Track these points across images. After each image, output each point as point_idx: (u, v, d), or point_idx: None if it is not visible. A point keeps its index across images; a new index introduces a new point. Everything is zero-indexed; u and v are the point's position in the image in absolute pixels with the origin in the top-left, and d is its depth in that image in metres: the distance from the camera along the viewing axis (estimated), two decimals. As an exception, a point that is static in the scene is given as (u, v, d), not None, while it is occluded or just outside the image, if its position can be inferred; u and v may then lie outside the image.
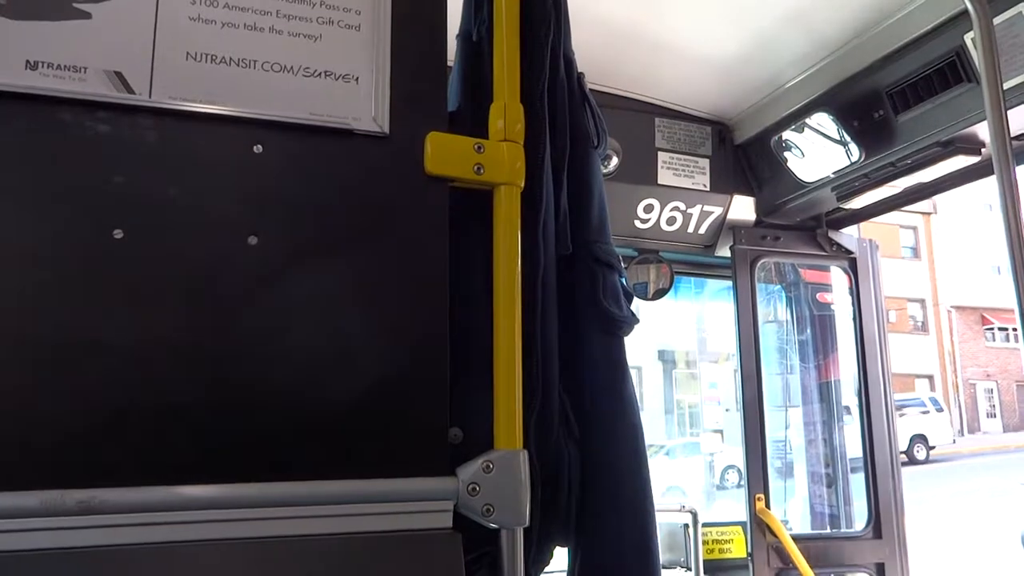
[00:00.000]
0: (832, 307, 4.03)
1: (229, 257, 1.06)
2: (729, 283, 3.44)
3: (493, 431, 1.14)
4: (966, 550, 9.98)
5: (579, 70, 1.52)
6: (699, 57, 2.86)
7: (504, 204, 1.21)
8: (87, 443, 0.95)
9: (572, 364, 1.42)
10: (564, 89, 1.46)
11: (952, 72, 2.39)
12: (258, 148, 1.10)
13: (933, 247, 31.03)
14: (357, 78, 1.16)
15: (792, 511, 3.89)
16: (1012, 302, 1.65)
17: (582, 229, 1.47)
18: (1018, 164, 1.74)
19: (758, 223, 3.42)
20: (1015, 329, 30.42)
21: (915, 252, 31.05)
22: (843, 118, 2.83)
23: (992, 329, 31.49)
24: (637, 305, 1.60)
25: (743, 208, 3.38)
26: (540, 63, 1.38)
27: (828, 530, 3.78)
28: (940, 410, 24.12)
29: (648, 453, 1.51)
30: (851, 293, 3.53)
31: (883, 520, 3.32)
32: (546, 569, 1.40)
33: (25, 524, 0.89)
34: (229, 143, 1.09)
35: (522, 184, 1.24)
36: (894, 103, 2.62)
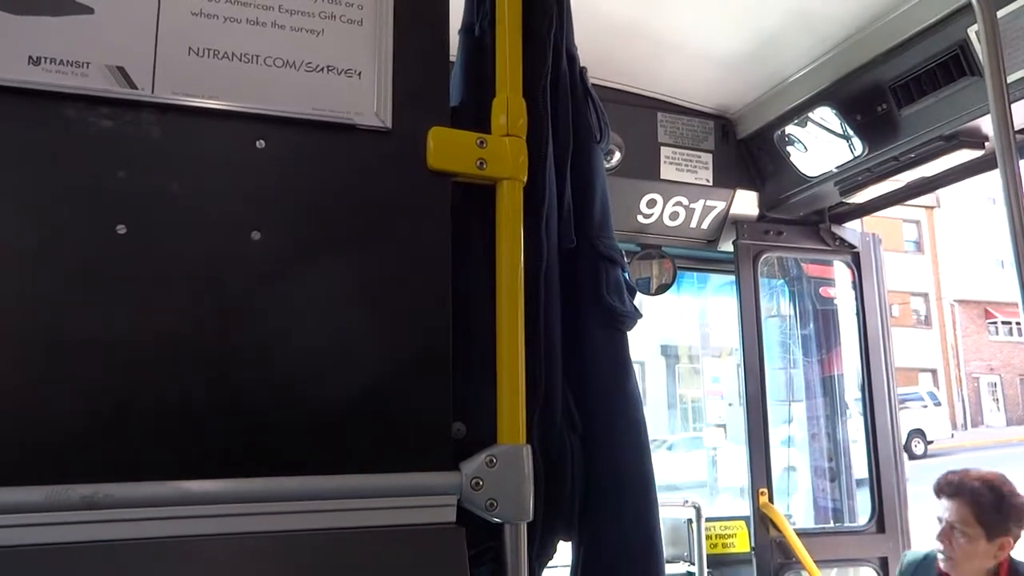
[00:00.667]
0: (835, 302, 4.02)
1: (232, 252, 1.06)
2: (732, 278, 3.44)
3: (496, 426, 1.14)
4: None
5: (581, 65, 1.51)
6: (702, 52, 2.86)
7: (507, 199, 1.21)
8: (90, 438, 0.96)
9: (575, 359, 1.42)
10: (567, 84, 1.45)
11: (955, 66, 2.38)
12: (261, 143, 1.10)
13: (936, 241, 30.98)
14: (359, 73, 1.16)
15: (795, 505, 3.90)
16: (1015, 296, 1.65)
17: (585, 224, 1.47)
18: (1022, 158, 1.73)
19: (761, 218, 3.41)
20: (1018, 323, 30.45)
21: (918, 246, 31.00)
22: (846, 112, 2.82)
23: (995, 323, 31.44)
24: (640, 300, 1.60)
25: (746, 203, 3.37)
26: (542, 58, 1.38)
27: (831, 524, 3.78)
28: (938, 404, 24.07)
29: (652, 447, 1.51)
30: (854, 287, 3.52)
31: (886, 514, 3.32)
32: (550, 564, 1.40)
33: (30, 519, 0.89)
34: (232, 138, 1.09)
35: (525, 179, 1.24)
36: (897, 97, 2.62)
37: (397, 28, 1.19)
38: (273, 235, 1.08)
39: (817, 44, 2.73)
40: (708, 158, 3.27)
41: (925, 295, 30.68)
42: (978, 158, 2.67)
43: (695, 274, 4.00)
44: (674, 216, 3.32)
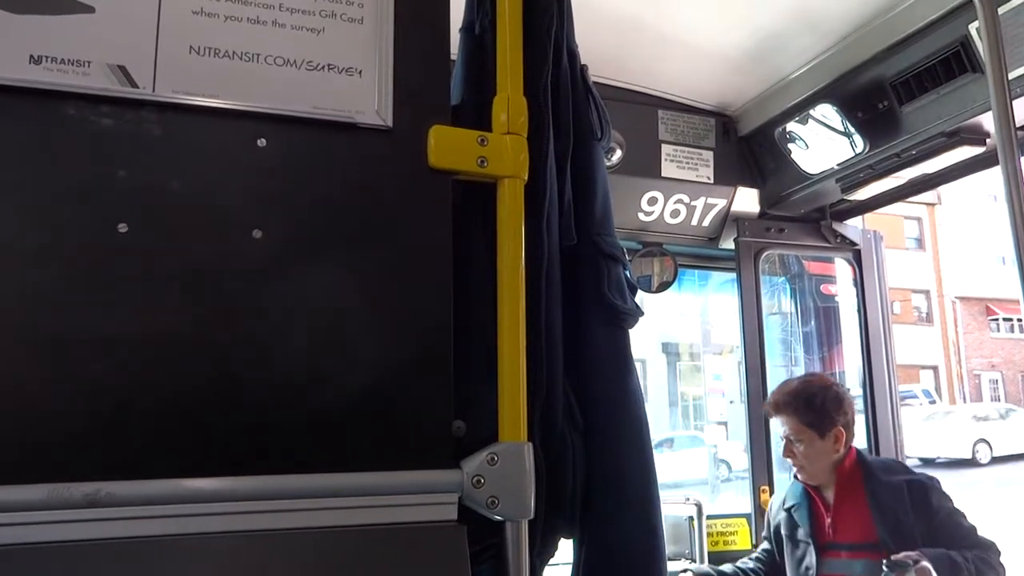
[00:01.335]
0: (835, 299, 4.02)
1: (233, 251, 1.06)
2: (733, 275, 3.44)
3: (497, 423, 1.14)
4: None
5: (582, 62, 1.51)
6: (702, 49, 2.85)
7: (508, 197, 1.21)
8: (92, 437, 0.96)
9: (576, 356, 1.43)
10: (567, 82, 1.45)
11: (957, 62, 2.38)
12: (262, 142, 1.10)
13: (937, 238, 30.96)
14: (360, 71, 1.16)
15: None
16: (1017, 292, 1.65)
17: (586, 222, 1.47)
18: (1023, 154, 1.73)
19: (762, 215, 3.41)
20: (1020, 320, 30.42)
21: (919, 243, 30.99)
22: (847, 109, 2.82)
23: (997, 320, 31.42)
24: (641, 297, 1.60)
25: (747, 200, 3.37)
26: (543, 56, 1.38)
27: None
28: (932, 402, 24.02)
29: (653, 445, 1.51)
30: (855, 284, 3.52)
31: None
32: (551, 561, 1.40)
33: (32, 517, 0.89)
34: (233, 137, 1.09)
35: (526, 177, 1.24)
36: (898, 94, 2.61)
37: (398, 26, 1.19)
38: (274, 233, 1.08)
39: (818, 41, 2.73)
40: (709, 155, 3.27)
41: (926, 292, 30.67)
42: (979, 155, 2.67)
43: (696, 272, 3.98)
44: (675, 214, 3.31)
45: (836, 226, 3.48)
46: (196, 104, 1.07)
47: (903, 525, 2.41)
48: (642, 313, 1.50)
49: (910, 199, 3.39)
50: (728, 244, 3.46)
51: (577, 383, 1.42)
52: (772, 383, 3.18)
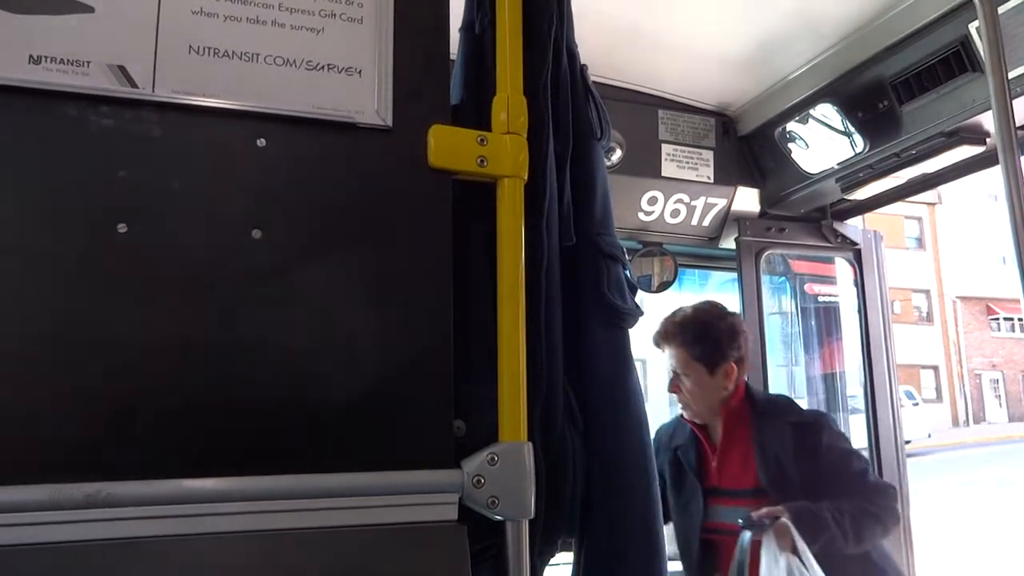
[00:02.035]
0: (820, 299, 4.01)
1: (233, 251, 1.06)
2: (733, 275, 3.43)
3: (497, 424, 1.14)
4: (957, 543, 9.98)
5: (582, 62, 1.51)
6: (702, 49, 2.85)
7: (508, 197, 1.21)
8: (93, 437, 0.96)
9: (576, 356, 1.43)
10: (567, 81, 1.45)
11: (957, 62, 2.38)
12: (261, 142, 1.10)
13: (938, 237, 30.96)
14: (360, 71, 1.16)
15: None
16: (1017, 292, 1.65)
17: (586, 221, 1.47)
18: (1023, 154, 1.73)
19: (762, 215, 3.41)
20: (1021, 319, 30.42)
21: (920, 242, 31.00)
22: (847, 109, 2.82)
23: (997, 319, 31.44)
24: (641, 297, 1.60)
25: (747, 200, 3.37)
26: (543, 55, 1.38)
27: None
28: (916, 404, 23.92)
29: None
30: (856, 284, 3.50)
31: None
32: (552, 561, 1.40)
33: (33, 518, 0.89)
34: (232, 137, 1.09)
35: (525, 177, 1.24)
36: (898, 93, 2.61)
37: (397, 26, 1.19)
38: (274, 233, 1.08)
39: (818, 41, 2.73)
40: (709, 155, 3.27)
41: (927, 292, 30.67)
42: (979, 154, 2.67)
43: (696, 271, 3.98)
44: (675, 213, 3.31)
45: (836, 226, 3.47)
46: (196, 104, 1.07)
47: (785, 471, 2.22)
48: (642, 313, 1.50)
49: (911, 199, 3.38)
50: (728, 244, 3.45)
51: (577, 383, 1.42)
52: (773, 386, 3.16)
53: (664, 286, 3.40)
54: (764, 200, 3.38)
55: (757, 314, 3.34)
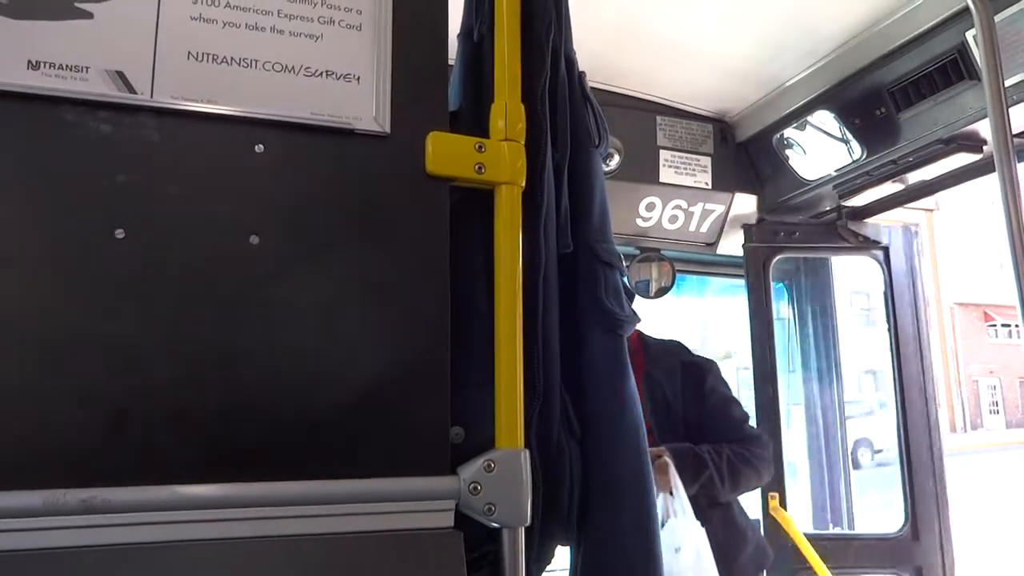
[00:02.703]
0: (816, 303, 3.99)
1: (231, 257, 1.06)
2: (730, 281, 3.42)
3: (494, 430, 1.14)
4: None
5: (580, 69, 1.52)
6: (701, 55, 2.86)
7: (505, 203, 1.21)
8: (89, 443, 0.96)
9: (573, 363, 1.42)
10: (565, 88, 1.46)
11: (954, 69, 2.38)
12: (259, 148, 1.10)
13: (935, 244, 30.99)
14: (358, 78, 1.16)
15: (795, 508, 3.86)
16: (1014, 298, 1.65)
17: (583, 228, 1.47)
18: (1019, 161, 1.73)
19: (760, 221, 3.41)
20: (1018, 326, 30.39)
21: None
22: (845, 116, 2.83)
23: (995, 325, 31.48)
24: (639, 304, 1.62)
25: (745, 206, 3.37)
26: (541, 62, 1.38)
27: (859, 531, 3.66)
28: None
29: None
30: (885, 286, 3.40)
31: (922, 520, 3.17)
32: (548, 568, 1.40)
33: (27, 524, 0.89)
34: (231, 143, 1.09)
35: (523, 183, 1.24)
36: (896, 101, 2.62)
37: (396, 33, 1.19)
38: (271, 239, 1.08)
39: (816, 48, 2.74)
40: (707, 161, 3.27)
41: (924, 298, 30.65)
42: (976, 161, 2.68)
43: (694, 277, 3.98)
44: (673, 219, 3.32)
45: (856, 225, 3.37)
46: (194, 110, 1.07)
47: (672, 410, 2.30)
48: (639, 319, 1.50)
49: (908, 205, 3.37)
50: (725, 249, 3.45)
51: (574, 389, 1.42)
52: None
53: (662, 292, 3.40)
54: (762, 206, 3.38)
55: (767, 321, 3.31)
